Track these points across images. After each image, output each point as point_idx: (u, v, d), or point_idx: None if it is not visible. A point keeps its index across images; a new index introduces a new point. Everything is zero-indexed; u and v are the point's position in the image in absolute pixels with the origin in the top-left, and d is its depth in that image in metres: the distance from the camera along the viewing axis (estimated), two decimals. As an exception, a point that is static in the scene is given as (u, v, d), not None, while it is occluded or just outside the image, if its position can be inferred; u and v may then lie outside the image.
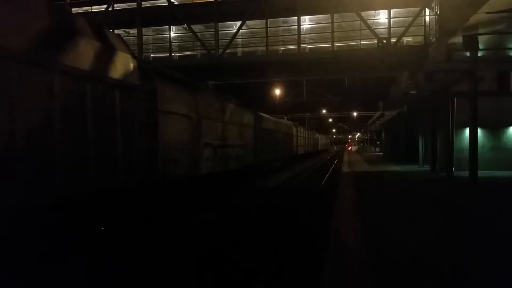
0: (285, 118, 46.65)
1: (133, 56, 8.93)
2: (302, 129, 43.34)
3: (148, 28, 20.25)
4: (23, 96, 5.68)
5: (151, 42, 21.26)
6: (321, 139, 76.09)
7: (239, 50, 19.99)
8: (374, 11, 17.74)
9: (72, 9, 19.65)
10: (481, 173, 15.00)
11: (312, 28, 19.35)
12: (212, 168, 13.31)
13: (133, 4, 18.90)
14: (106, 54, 7.74)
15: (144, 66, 9.69)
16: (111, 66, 7.80)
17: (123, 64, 8.24)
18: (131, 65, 8.59)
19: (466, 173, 15.22)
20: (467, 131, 16.09)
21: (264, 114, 24.10)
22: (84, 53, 6.98)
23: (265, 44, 18.10)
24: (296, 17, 17.89)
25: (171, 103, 10.36)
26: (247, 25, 18.84)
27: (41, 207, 5.97)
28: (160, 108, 9.65)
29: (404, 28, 16.47)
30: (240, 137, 17.36)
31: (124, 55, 8.37)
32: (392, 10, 17.17)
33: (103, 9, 18.88)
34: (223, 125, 14.93)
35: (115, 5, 19.06)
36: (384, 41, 16.59)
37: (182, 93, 11.25)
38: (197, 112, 12.15)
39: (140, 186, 8.59)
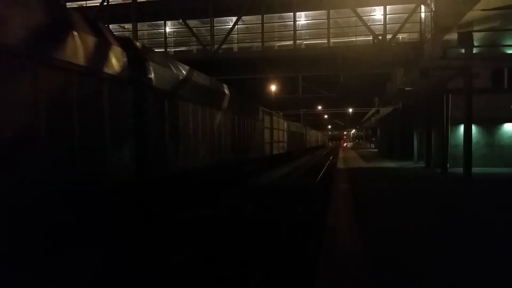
0: (281, 114, 46.62)
1: (262, 107, 23.59)
2: (308, 129, 58.34)
3: (143, 23, 20.14)
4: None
5: (146, 37, 21.15)
6: (320, 136, 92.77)
7: (235, 46, 19.94)
8: (370, 8, 17.74)
9: (67, 3, 19.45)
10: (475, 170, 15.08)
11: (308, 24, 19.34)
12: (274, 152, 27.32)
13: (128, -1, 18.78)
14: (254, 108, 21.19)
15: (262, 108, 23.47)
16: (261, 115, 22.46)
17: (260, 110, 22.18)
18: (260, 109, 22.75)
19: (460, 170, 15.28)
20: (461, 127, 16.14)
21: (291, 122, 38.70)
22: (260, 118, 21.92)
23: (260, 40, 18.07)
24: (292, 13, 17.86)
25: (266, 122, 24.00)
26: (243, 21, 18.79)
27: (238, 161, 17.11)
28: (264, 125, 23.23)
29: (399, 24, 16.49)
30: (282, 137, 31.73)
31: (261, 108, 22.67)
32: (387, 7, 17.19)
33: (98, 4, 18.76)
34: (278, 131, 28.96)
35: (109, -1, 18.92)
36: (380, 37, 16.61)
37: (268, 117, 25.25)
38: (271, 125, 26.29)
39: (261, 159, 21.67)
